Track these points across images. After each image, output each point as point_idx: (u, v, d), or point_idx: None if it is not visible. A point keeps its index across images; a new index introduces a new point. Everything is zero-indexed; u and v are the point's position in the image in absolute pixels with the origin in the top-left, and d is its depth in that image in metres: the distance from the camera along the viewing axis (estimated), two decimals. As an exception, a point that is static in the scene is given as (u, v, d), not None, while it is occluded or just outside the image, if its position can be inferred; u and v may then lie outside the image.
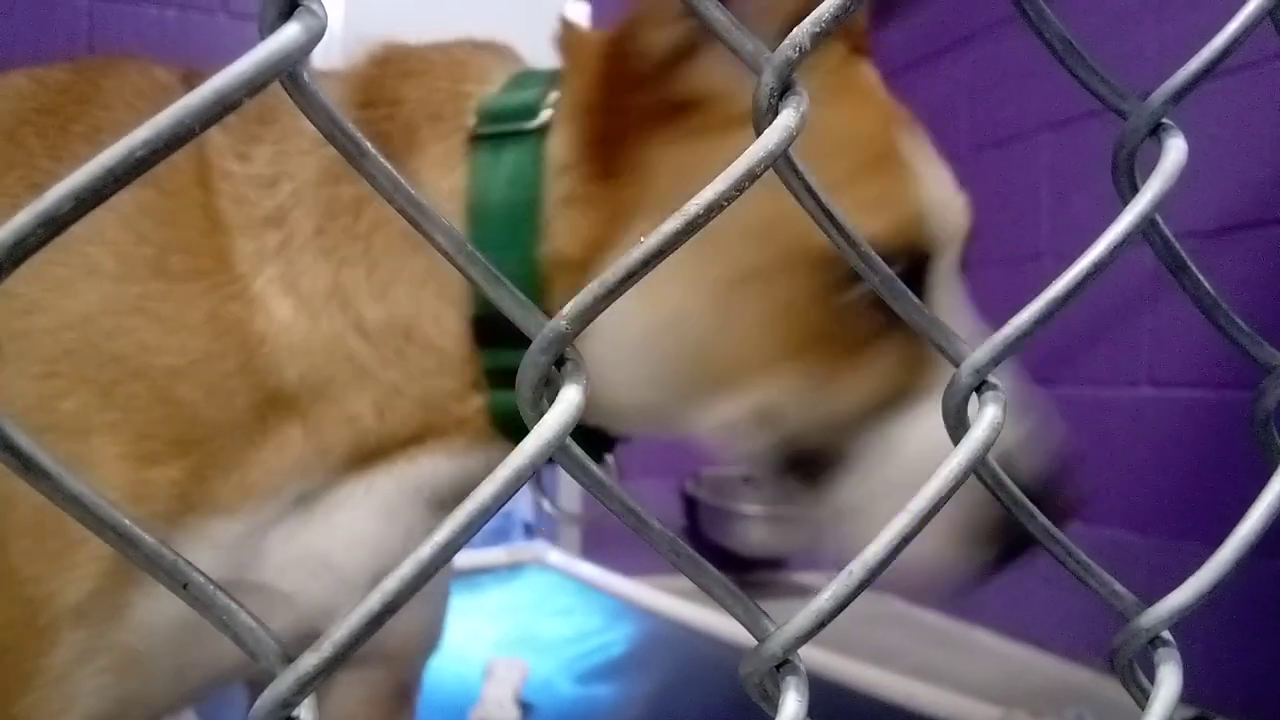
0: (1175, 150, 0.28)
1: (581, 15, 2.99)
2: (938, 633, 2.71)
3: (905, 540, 0.24)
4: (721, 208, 0.23)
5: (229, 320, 0.59)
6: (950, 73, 2.74)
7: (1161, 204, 0.28)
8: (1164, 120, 0.28)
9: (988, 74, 2.59)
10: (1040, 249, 2.38)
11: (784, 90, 0.24)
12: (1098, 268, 0.27)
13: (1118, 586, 0.30)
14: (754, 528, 2.91)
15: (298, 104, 0.18)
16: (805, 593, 3.20)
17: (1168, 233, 0.29)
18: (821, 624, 0.24)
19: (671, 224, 0.23)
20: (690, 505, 3.02)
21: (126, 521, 0.18)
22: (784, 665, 0.25)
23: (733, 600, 0.25)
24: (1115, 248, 0.27)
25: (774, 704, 0.24)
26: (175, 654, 0.64)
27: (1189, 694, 0.32)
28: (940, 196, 0.61)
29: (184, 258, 0.59)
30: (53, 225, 0.16)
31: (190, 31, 2.38)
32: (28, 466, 0.17)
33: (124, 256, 0.58)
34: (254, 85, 0.17)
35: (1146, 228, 0.28)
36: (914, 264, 0.58)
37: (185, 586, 0.19)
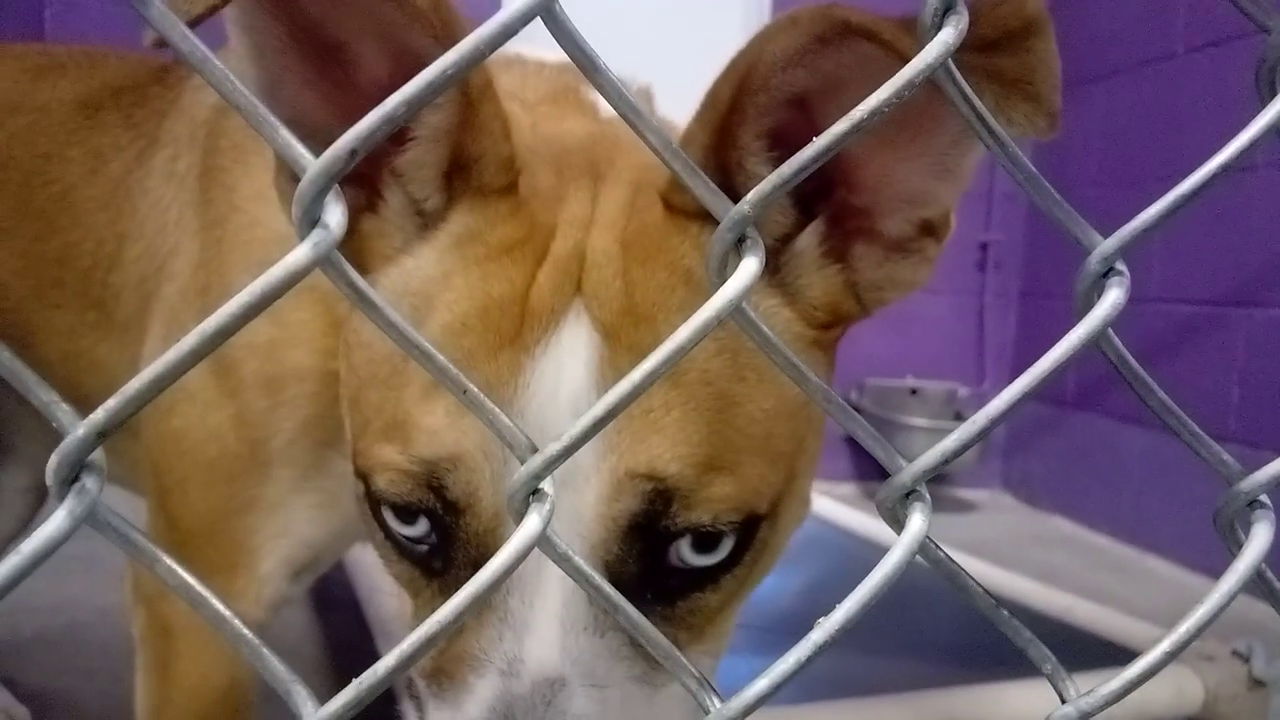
0: (1311, 61, 0.29)
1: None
2: (1110, 557, 2.66)
3: (1026, 397, 0.29)
4: (883, 114, 0.27)
5: None
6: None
7: (1295, 112, 0.30)
8: (1304, 35, 0.29)
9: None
10: (1256, 160, 2.20)
11: (946, 10, 0.28)
12: (1225, 168, 0.29)
13: (1225, 455, 0.33)
14: (917, 440, 2.90)
15: (551, 31, 0.24)
16: (968, 508, 3.19)
17: (1302, 138, 0.31)
18: (945, 461, 0.29)
19: (840, 125, 0.27)
20: (855, 414, 3.04)
21: (423, 341, 0.25)
22: (912, 494, 0.30)
23: (874, 443, 0.30)
24: (1244, 150, 0.29)
25: (901, 526, 0.30)
26: None
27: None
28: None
29: None
30: (392, 124, 0.22)
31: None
32: (365, 302, 0.24)
33: None
34: (527, 18, 0.23)
35: (1281, 131, 0.30)
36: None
37: (465, 392, 0.26)
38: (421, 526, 0.49)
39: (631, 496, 0.45)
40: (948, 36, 0.27)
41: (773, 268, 0.52)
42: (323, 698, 0.25)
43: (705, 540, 0.48)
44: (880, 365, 3.23)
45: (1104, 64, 2.87)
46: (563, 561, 0.28)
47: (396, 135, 0.51)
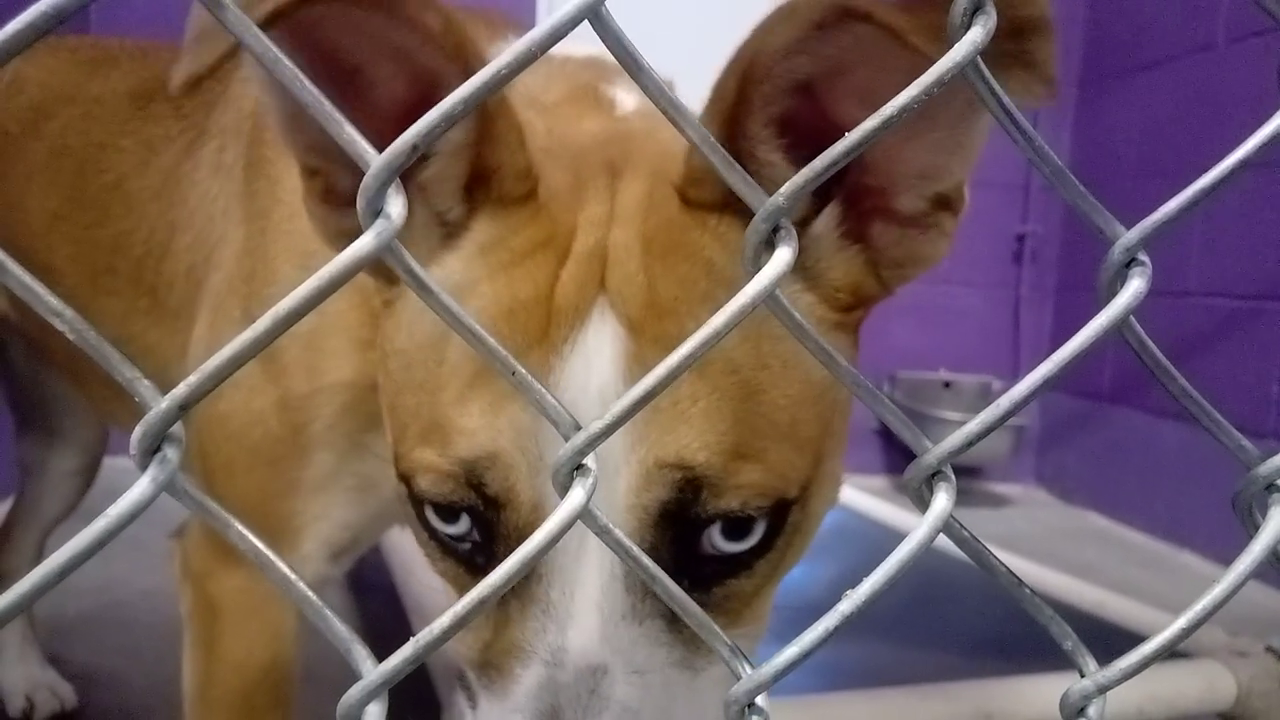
0: (1330, 59, 0.30)
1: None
2: (1144, 553, 2.63)
3: (1047, 384, 0.30)
4: (913, 109, 0.28)
5: None
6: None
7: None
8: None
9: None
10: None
11: (975, 10, 0.29)
12: (1244, 164, 0.30)
13: (1244, 441, 0.34)
14: (949, 433, 2.88)
15: (598, 33, 0.26)
16: (1001, 503, 3.17)
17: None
18: (970, 444, 0.30)
19: (871, 122, 0.28)
20: (886, 407, 3.04)
21: (474, 324, 0.27)
22: (937, 474, 0.31)
23: (902, 425, 0.31)
24: (1262, 146, 0.30)
25: (926, 505, 0.31)
26: None
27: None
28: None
29: None
30: (450, 121, 0.24)
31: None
32: (423, 287, 0.26)
33: None
34: (576, 21, 0.24)
35: (1302, 128, 0.30)
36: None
37: (514, 373, 0.28)
38: (463, 525, 0.50)
39: (661, 486, 0.46)
40: (976, 36, 0.28)
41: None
42: (354, 679, 0.26)
43: (736, 527, 0.49)
44: (913, 358, 3.22)
45: (1145, 55, 2.84)
46: (604, 534, 0.30)
47: None
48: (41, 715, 1.43)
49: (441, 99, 0.50)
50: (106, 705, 1.49)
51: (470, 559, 0.52)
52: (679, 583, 0.48)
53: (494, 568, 0.50)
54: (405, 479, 0.52)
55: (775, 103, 0.48)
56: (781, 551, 0.52)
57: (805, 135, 0.49)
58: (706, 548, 0.49)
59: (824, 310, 0.53)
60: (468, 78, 0.47)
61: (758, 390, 0.49)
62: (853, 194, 0.53)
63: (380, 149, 0.51)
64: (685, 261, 0.50)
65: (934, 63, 0.29)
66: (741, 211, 0.50)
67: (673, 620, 0.48)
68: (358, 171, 0.54)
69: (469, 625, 0.51)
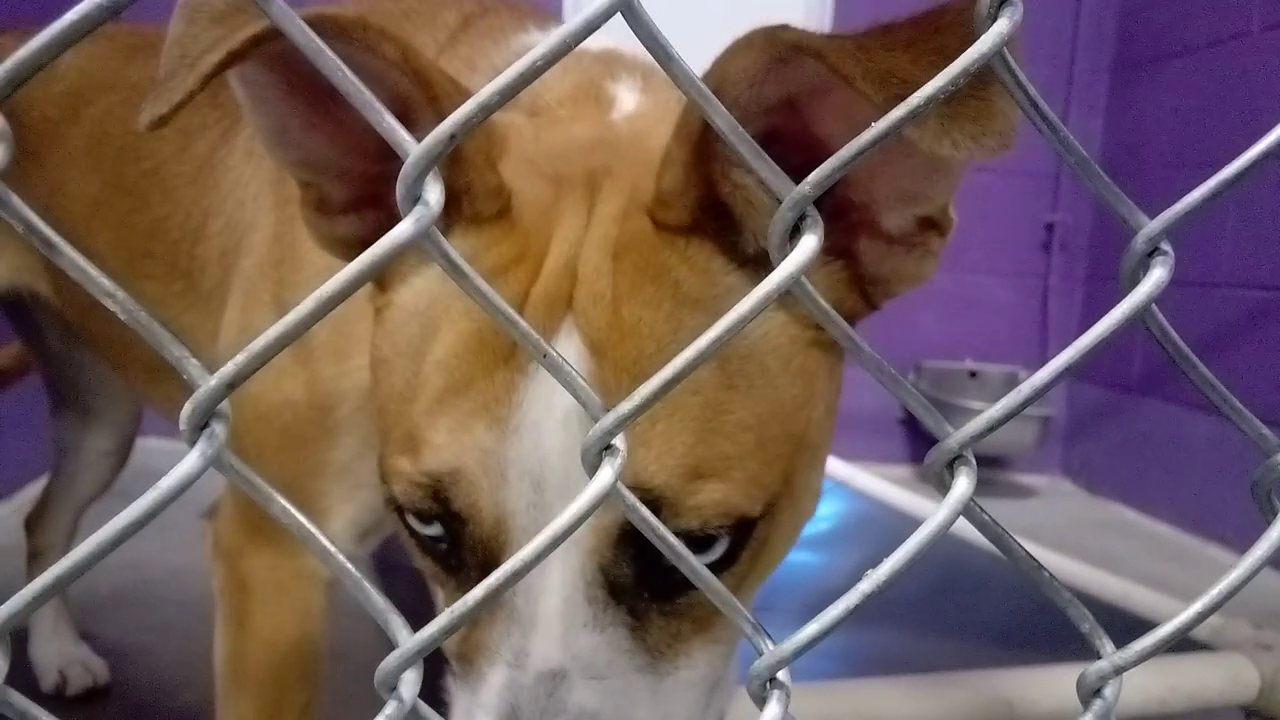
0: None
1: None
2: (1171, 545, 2.62)
3: (1068, 370, 0.30)
4: (939, 100, 0.29)
5: None
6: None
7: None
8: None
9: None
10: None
11: (1002, 1, 0.29)
12: (1267, 154, 0.30)
13: (1264, 429, 0.34)
14: (975, 423, 2.87)
15: (630, 25, 0.26)
16: (1027, 494, 3.15)
17: (1353, 124, 0.31)
18: (992, 428, 0.31)
19: (898, 111, 0.29)
20: (911, 396, 3.02)
21: (508, 308, 0.28)
22: (959, 458, 0.32)
23: (923, 410, 0.32)
24: (1288, 137, 0.30)
25: (948, 489, 0.31)
26: None
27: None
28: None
29: None
30: (486, 111, 0.25)
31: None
32: (459, 273, 0.27)
33: None
34: (610, 14, 0.25)
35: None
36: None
37: (544, 356, 0.29)
38: (438, 527, 0.52)
39: (620, 507, 0.47)
40: (1002, 28, 0.29)
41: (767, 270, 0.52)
42: (382, 659, 0.27)
43: (698, 542, 0.49)
44: (939, 347, 3.20)
45: (1176, 42, 2.80)
46: (632, 512, 0.30)
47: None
48: (74, 690, 1.46)
49: (414, 120, 0.51)
50: (137, 681, 1.52)
51: (446, 559, 0.53)
52: (640, 595, 0.49)
53: (464, 572, 0.53)
54: (385, 481, 0.54)
55: (747, 125, 0.47)
56: (747, 564, 0.52)
57: (793, 148, 0.49)
58: (669, 560, 0.50)
59: (797, 329, 0.52)
60: (432, 101, 0.48)
61: (722, 410, 0.49)
62: (839, 208, 0.52)
63: (358, 164, 0.53)
64: (652, 283, 0.50)
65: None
66: (710, 234, 0.50)
67: (636, 628, 0.49)
68: (347, 183, 0.56)
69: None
